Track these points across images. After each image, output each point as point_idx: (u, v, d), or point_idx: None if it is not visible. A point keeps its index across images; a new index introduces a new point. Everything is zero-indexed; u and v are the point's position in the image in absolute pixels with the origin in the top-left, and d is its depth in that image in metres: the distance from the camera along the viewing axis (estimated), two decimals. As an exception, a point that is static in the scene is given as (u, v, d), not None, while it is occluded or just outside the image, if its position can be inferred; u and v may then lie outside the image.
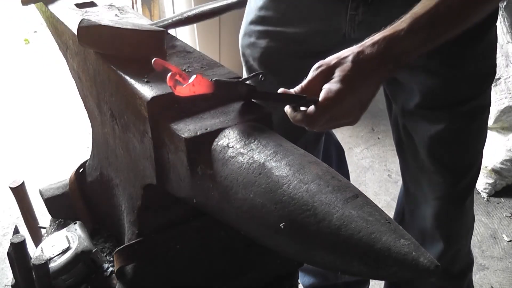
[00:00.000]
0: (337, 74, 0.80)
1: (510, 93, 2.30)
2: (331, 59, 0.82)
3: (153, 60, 0.76)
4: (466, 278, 1.42)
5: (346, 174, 1.65)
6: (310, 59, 0.89)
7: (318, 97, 0.79)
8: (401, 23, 0.80)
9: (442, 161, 1.16)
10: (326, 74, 0.80)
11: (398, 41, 0.79)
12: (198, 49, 0.96)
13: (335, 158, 1.58)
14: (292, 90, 0.81)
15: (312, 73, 0.82)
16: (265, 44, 1.17)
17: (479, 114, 1.13)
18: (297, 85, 0.82)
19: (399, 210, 1.45)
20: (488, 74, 1.12)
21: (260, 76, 0.84)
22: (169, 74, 0.71)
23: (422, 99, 1.09)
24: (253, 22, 1.18)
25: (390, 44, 0.79)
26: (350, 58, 0.80)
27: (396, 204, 1.50)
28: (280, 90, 0.81)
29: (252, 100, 0.78)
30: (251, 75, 0.83)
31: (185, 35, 3.24)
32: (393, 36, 0.79)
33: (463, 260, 1.38)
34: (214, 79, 0.72)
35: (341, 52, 0.82)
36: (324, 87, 0.79)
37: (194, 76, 0.71)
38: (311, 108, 0.79)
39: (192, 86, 0.70)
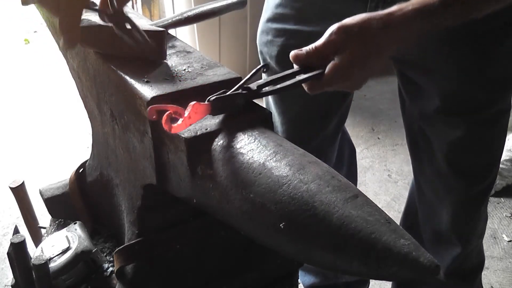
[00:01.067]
0: (353, 47, 0.75)
1: (510, 93, 2.30)
2: (353, 25, 0.77)
3: (147, 109, 0.71)
4: (477, 278, 1.41)
5: (355, 172, 1.64)
6: None
7: (327, 60, 0.77)
8: None
9: (460, 166, 1.14)
10: (343, 39, 0.77)
11: (429, 14, 0.74)
12: (198, 49, 0.96)
13: (347, 157, 1.57)
14: (304, 49, 0.80)
15: (329, 37, 0.78)
16: (282, 42, 1.16)
17: (499, 119, 1.11)
18: None
19: (411, 210, 1.42)
20: (509, 79, 1.08)
21: (263, 69, 0.83)
22: (164, 117, 0.67)
23: (442, 104, 1.07)
24: (270, 19, 1.17)
25: (420, 16, 0.75)
26: (373, 28, 0.75)
27: (406, 204, 1.47)
28: (293, 53, 0.80)
29: (253, 100, 0.78)
30: (252, 72, 0.81)
31: (185, 35, 3.24)
32: (424, 9, 0.74)
33: (475, 260, 1.37)
34: (211, 98, 0.70)
35: (365, 15, 0.77)
36: (335, 58, 0.76)
37: (189, 108, 0.68)
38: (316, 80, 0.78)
39: (188, 118, 0.67)
